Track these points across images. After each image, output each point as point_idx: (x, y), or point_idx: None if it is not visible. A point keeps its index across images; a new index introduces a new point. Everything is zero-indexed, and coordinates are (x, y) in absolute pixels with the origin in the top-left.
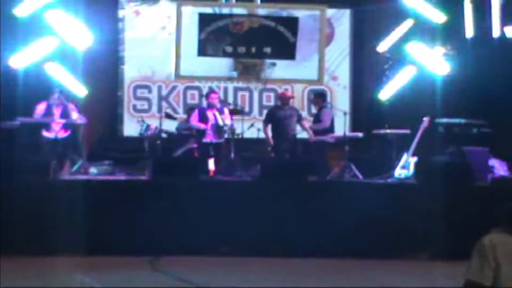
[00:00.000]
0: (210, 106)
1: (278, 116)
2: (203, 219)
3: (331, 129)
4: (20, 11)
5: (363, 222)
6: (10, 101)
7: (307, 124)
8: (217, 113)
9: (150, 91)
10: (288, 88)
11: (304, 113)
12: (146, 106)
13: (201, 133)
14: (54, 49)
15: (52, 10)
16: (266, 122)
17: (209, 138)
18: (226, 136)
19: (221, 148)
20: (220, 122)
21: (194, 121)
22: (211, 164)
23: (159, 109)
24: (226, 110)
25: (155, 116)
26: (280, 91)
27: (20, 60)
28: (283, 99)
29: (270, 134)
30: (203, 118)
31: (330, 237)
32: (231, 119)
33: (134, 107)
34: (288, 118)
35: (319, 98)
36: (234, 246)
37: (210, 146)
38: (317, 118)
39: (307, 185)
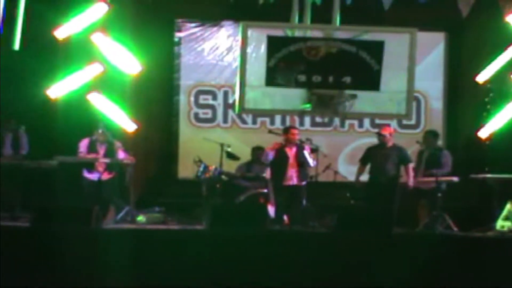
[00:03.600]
0: (290, 143)
1: (375, 155)
2: (268, 277)
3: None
4: (61, 33)
5: (456, 281)
6: (48, 137)
7: (412, 169)
8: (306, 152)
9: (214, 97)
10: (389, 124)
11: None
12: (209, 115)
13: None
14: (100, 76)
15: (98, 32)
16: (362, 161)
17: (290, 180)
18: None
19: (301, 193)
20: (310, 162)
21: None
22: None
23: (225, 119)
24: (307, 148)
25: (220, 127)
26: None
27: (60, 89)
28: (382, 137)
29: (360, 176)
30: (281, 157)
31: None
32: (313, 158)
33: (196, 116)
34: (387, 159)
35: (430, 135)
36: None
37: (289, 190)
38: (434, 162)
39: (391, 238)
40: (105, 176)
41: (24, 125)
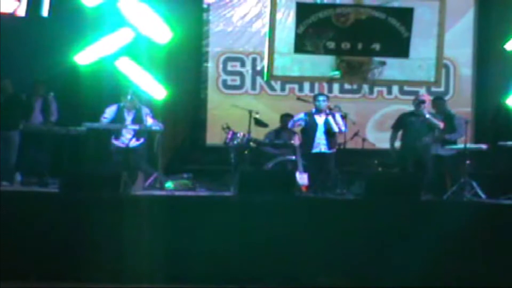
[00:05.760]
0: (319, 110)
1: (410, 123)
2: (297, 243)
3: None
4: (88, 0)
5: (485, 248)
6: (76, 104)
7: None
8: (329, 117)
9: (243, 64)
10: (422, 92)
11: None
12: (238, 82)
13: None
14: (129, 43)
15: None
16: (394, 128)
17: (318, 148)
18: (337, 146)
19: (330, 161)
20: (335, 127)
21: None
22: (305, 179)
23: (253, 86)
24: (337, 116)
25: (249, 94)
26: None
27: (88, 56)
28: (422, 104)
29: (395, 143)
30: (310, 124)
31: (447, 264)
32: (345, 125)
33: (224, 82)
34: (420, 126)
35: (441, 101)
36: (335, 276)
37: (318, 158)
38: (448, 126)
39: (419, 205)
40: (133, 143)
41: (53, 92)
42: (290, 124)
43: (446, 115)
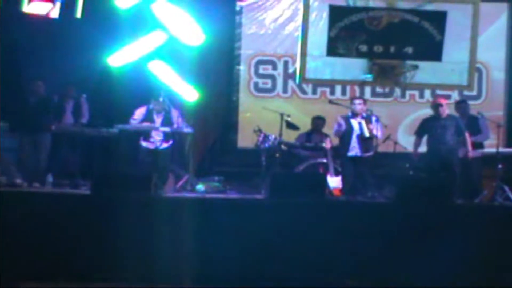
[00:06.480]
0: (354, 114)
1: (433, 127)
2: (326, 246)
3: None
4: (122, 2)
5: None
6: (107, 105)
7: (469, 138)
8: (363, 122)
9: (274, 67)
10: (439, 94)
11: None
12: (269, 85)
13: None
14: (161, 45)
15: (159, 1)
16: (417, 134)
17: (353, 151)
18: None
19: (365, 164)
20: (366, 133)
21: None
22: (336, 182)
23: (285, 89)
24: (373, 119)
25: (280, 97)
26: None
27: (120, 58)
28: (440, 107)
29: (418, 148)
30: (346, 128)
31: (478, 268)
32: (381, 129)
33: (256, 85)
34: (445, 129)
35: (464, 104)
36: (364, 280)
37: (353, 161)
38: (473, 129)
39: (451, 209)
40: (162, 145)
41: (84, 93)
42: (336, 133)
43: (469, 117)
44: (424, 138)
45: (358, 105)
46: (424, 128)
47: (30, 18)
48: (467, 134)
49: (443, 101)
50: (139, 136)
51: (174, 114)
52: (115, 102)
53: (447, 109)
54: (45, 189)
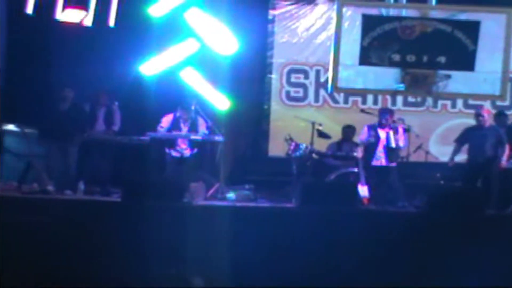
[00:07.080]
0: (382, 124)
1: (473, 136)
2: (357, 255)
3: None
4: (155, 11)
5: None
6: (139, 113)
7: (508, 150)
8: (391, 132)
9: (306, 76)
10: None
11: None
12: (301, 94)
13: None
14: (193, 54)
15: (192, 9)
16: (457, 142)
17: (379, 161)
18: (398, 159)
19: (391, 174)
20: (393, 143)
21: (363, 139)
22: (366, 191)
23: (316, 98)
24: (400, 130)
25: (311, 106)
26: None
27: (153, 66)
28: (481, 117)
29: (455, 156)
30: (373, 137)
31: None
32: (405, 140)
33: (288, 94)
34: (485, 140)
35: (503, 117)
36: None
37: (379, 171)
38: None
39: (483, 220)
40: (187, 153)
41: (117, 101)
42: (365, 142)
43: (508, 129)
44: (464, 147)
45: (386, 116)
46: (465, 136)
47: (64, 26)
48: (506, 146)
49: (485, 112)
50: (165, 144)
51: (201, 123)
52: (146, 110)
53: (489, 120)
54: (76, 197)
